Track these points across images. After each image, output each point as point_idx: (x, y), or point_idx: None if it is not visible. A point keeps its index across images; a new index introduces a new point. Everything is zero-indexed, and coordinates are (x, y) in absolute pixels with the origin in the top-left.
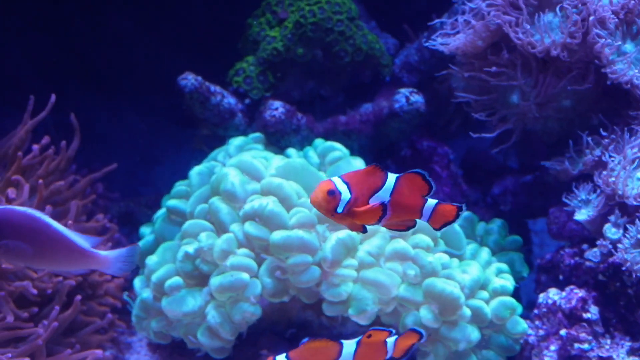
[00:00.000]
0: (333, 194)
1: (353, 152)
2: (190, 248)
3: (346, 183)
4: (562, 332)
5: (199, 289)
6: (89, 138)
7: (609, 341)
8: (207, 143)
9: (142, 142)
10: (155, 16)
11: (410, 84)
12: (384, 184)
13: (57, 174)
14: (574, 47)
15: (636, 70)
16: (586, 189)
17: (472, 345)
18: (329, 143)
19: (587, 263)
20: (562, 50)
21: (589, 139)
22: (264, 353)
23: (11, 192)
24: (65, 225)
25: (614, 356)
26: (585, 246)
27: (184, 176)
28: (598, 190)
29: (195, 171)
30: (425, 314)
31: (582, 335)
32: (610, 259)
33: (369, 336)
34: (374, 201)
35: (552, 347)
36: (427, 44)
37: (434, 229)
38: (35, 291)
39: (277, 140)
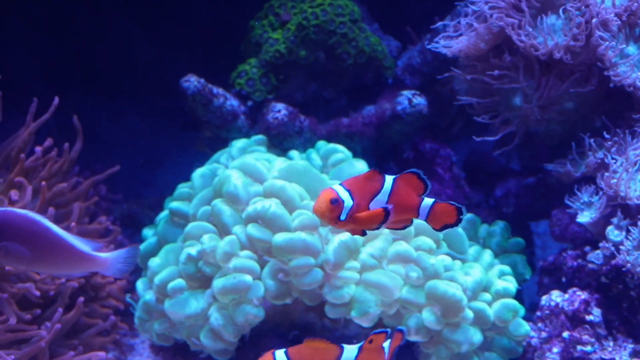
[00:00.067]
0: (336, 202)
1: (355, 154)
2: (193, 250)
3: (348, 190)
4: (565, 334)
5: (202, 291)
6: (90, 140)
7: (611, 343)
8: (209, 145)
9: (144, 143)
10: (157, 17)
11: (412, 86)
12: (382, 187)
13: (59, 176)
14: (577, 50)
15: (639, 73)
16: (589, 191)
17: (474, 347)
18: (332, 145)
19: (590, 265)
20: (565, 53)
21: (592, 141)
22: None
23: (14, 194)
24: (68, 227)
25: (617, 358)
26: (587, 248)
27: (187, 178)
28: (600, 193)
29: (198, 173)
30: (427, 316)
31: (585, 337)
32: (613, 261)
33: (371, 341)
34: (374, 205)
35: (555, 350)
36: (429, 47)
37: (434, 229)
38: (37, 293)
39: (280, 142)
